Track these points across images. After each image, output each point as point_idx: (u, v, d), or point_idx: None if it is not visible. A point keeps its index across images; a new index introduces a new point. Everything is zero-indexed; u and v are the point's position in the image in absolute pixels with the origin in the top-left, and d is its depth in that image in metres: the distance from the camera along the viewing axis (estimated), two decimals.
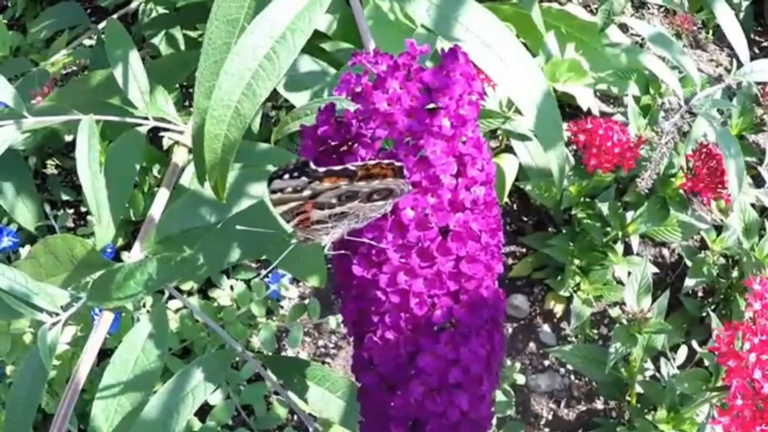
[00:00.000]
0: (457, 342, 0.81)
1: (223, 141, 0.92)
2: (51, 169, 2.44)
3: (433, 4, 0.92)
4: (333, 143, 0.86)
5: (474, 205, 0.82)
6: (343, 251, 0.87)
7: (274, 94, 1.55)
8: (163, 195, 1.37)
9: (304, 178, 0.81)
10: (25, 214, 2.05)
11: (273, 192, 0.81)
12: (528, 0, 1.23)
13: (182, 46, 2.19)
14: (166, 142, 2.10)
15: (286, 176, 0.83)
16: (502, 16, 1.36)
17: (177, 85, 2.23)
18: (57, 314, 1.21)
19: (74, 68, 2.55)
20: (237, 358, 1.25)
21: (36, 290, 1.19)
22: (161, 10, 2.21)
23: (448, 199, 0.81)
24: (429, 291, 0.81)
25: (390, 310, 0.82)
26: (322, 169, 0.83)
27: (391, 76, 0.81)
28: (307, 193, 0.82)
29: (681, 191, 1.98)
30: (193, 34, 2.25)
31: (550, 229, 2.35)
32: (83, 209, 2.36)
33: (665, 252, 2.37)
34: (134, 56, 1.49)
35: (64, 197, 2.36)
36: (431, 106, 0.82)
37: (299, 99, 1.42)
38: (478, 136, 0.84)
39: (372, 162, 0.82)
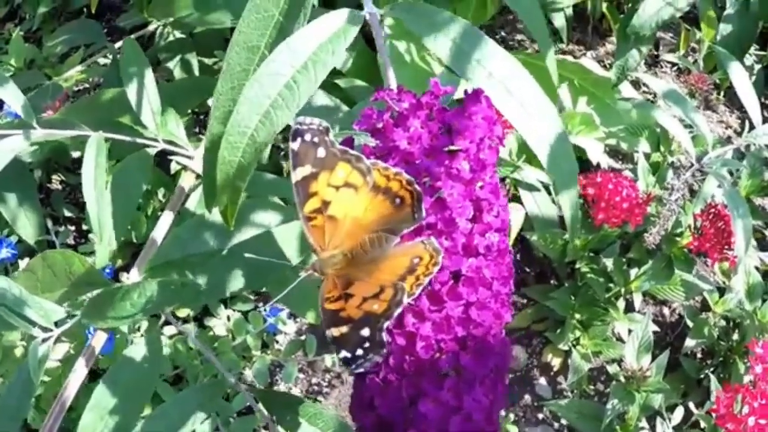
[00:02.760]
0: (461, 389, 0.79)
1: (236, 167, 0.91)
2: (56, 184, 2.43)
3: (454, 43, 0.91)
4: None
5: (487, 251, 0.80)
6: None
7: (286, 126, 1.55)
8: (167, 218, 1.35)
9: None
10: (26, 227, 2.04)
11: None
12: (544, 49, 1.22)
13: (196, 72, 2.18)
14: (173, 167, 2.08)
15: (308, 135, 0.86)
16: None
17: (189, 111, 2.22)
18: (50, 330, 1.19)
19: (86, 85, 2.55)
20: (228, 390, 1.22)
21: (30, 304, 1.17)
22: (178, 34, 2.21)
23: (462, 243, 0.80)
24: (436, 335, 0.79)
25: (395, 352, 0.80)
26: (339, 147, 0.86)
27: (413, 114, 0.80)
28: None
29: (686, 250, 1.96)
30: (208, 61, 2.25)
31: (552, 282, 2.33)
32: (85, 227, 2.34)
33: (666, 311, 2.35)
34: (149, 76, 1.49)
35: (67, 213, 2.34)
36: (451, 147, 0.81)
37: None
38: (496, 181, 0.83)
39: (394, 170, 0.82)
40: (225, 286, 1.09)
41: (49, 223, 2.16)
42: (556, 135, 0.92)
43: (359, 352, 0.78)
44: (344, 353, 0.80)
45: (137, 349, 1.16)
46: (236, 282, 1.09)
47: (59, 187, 2.43)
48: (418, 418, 0.79)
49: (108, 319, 1.14)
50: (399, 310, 0.78)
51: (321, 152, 0.85)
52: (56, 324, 1.21)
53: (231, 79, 1.01)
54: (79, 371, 1.21)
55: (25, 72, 2.25)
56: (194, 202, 1.42)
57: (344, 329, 0.80)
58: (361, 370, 0.77)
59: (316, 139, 0.86)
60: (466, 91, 0.82)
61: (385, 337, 0.78)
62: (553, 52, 1.34)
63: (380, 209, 0.85)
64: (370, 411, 0.83)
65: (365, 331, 0.79)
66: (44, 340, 1.18)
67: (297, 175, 0.86)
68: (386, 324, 0.78)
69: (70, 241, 2.30)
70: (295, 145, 0.86)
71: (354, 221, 0.87)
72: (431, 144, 0.79)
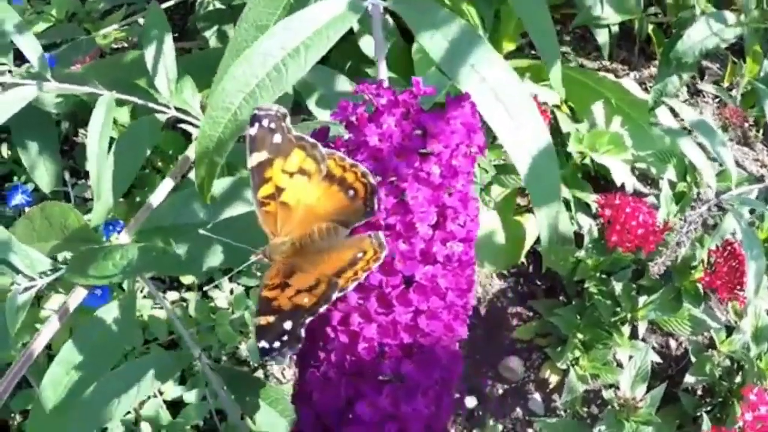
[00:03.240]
0: (400, 397, 0.78)
1: (216, 141, 0.91)
2: (82, 138, 2.43)
3: (450, 43, 0.89)
4: None
5: (447, 260, 0.78)
6: None
7: (306, 109, 1.54)
8: (166, 184, 1.35)
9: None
10: (43, 175, 2.05)
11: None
12: (550, 60, 1.20)
13: None
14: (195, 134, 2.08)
15: (265, 121, 0.84)
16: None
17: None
18: (33, 279, 1.20)
19: (125, 44, 2.55)
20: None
21: (17, 251, 1.18)
22: (218, 4, 2.21)
23: (420, 249, 0.78)
24: (381, 338, 0.78)
25: (337, 349, 0.78)
26: (295, 133, 0.85)
27: (388, 111, 0.78)
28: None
29: (698, 285, 1.93)
30: None
31: (560, 298, 2.30)
32: None
33: (672, 343, 2.32)
34: (168, 42, 1.48)
35: (87, 168, 2.35)
36: (423, 150, 0.79)
37: (327, 117, 1.40)
38: (467, 191, 0.80)
39: (350, 162, 0.82)
40: (204, 260, 1.08)
41: (67, 176, 2.17)
42: (540, 148, 0.90)
43: (276, 344, 0.78)
44: (263, 343, 0.79)
45: (109, 311, 1.16)
46: (215, 258, 1.08)
47: (84, 140, 2.43)
48: (354, 419, 0.78)
49: (89, 276, 1.15)
50: (324, 306, 0.77)
51: (277, 138, 0.84)
52: (42, 275, 1.22)
53: (236, 54, 1.00)
54: (55, 321, 1.21)
55: (65, 24, 2.25)
56: None
57: (271, 319, 0.79)
58: (273, 363, 0.76)
59: (273, 125, 0.85)
60: (448, 94, 0.80)
61: (302, 333, 0.77)
62: (559, 61, 1.32)
63: (333, 199, 0.84)
64: (308, 405, 0.82)
65: (287, 324, 0.78)
66: (26, 289, 1.19)
67: (253, 160, 0.85)
68: (308, 319, 0.77)
69: (87, 195, 2.30)
70: (252, 131, 0.85)
71: (306, 209, 0.86)
72: (402, 144, 0.77)
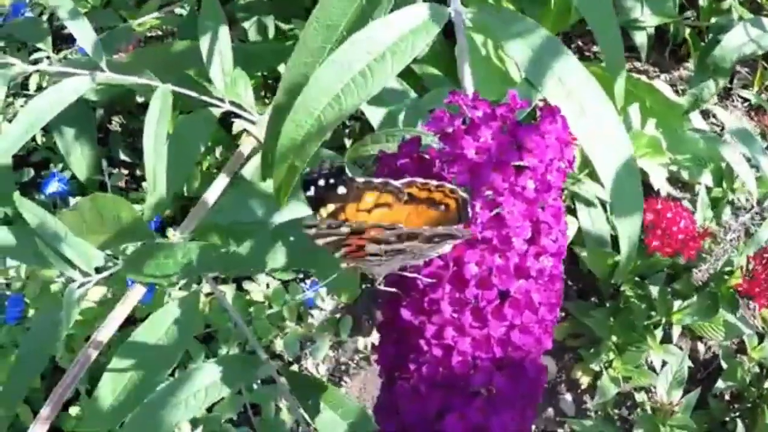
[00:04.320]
0: (490, 410, 0.77)
1: (298, 146, 0.89)
2: (115, 125, 2.43)
3: (534, 52, 0.88)
4: (409, 177, 0.82)
5: (539, 275, 0.78)
6: (394, 289, 0.83)
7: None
8: (221, 180, 1.34)
9: (340, 223, 0.77)
10: (80, 163, 2.04)
11: (307, 227, 0.76)
12: (615, 69, 1.18)
13: (271, 36, 2.17)
14: (236, 127, 2.07)
15: (321, 181, 0.81)
16: None
17: (259, 74, 2.21)
18: (88, 274, 1.19)
19: (159, 33, 2.54)
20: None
21: (72, 245, 1.17)
22: None
23: (514, 263, 0.77)
24: (474, 352, 0.77)
25: (429, 362, 0.78)
26: (360, 180, 0.81)
27: (485, 124, 0.77)
28: (345, 229, 0.76)
29: (734, 291, 1.92)
30: (284, 26, 2.23)
31: (593, 299, 2.30)
32: (139, 173, 2.34)
33: (700, 347, 2.31)
34: (224, 33, 1.46)
35: (123, 157, 2.34)
36: (519, 163, 0.78)
37: (375, 114, 1.38)
38: (559, 205, 0.80)
39: (435, 183, 0.79)
40: (266, 262, 1.07)
41: (104, 165, 2.16)
42: (623, 161, 0.89)
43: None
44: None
45: (170, 310, 1.15)
46: (278, 260, 1.07)
47: (118, 129, 2.43)
48: (441, 431, 0.78)
49: (148, 274, 1.14)
50: None
51: (341, 190, 0.82)
52: (96, 270, 1.21)
53: (306, 54, 0.99)
54: (114, 321, 1.21)
55: (100, 11, 2.24)
56: (251, 169, 1.41)
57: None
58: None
59: (332, 180, 0.81)
60: (542, 107, 0.80)
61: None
62: (624, 72, 1.31)
63: (423, 217, 0.82)
64: (394, 417, 0.82)
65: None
66: (82, 285, 1.18)
67: (321, 214, 0.82)
68: None
69: (122, 184, 2.30)
70: (309, 193, 0.82)
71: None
72: (499, 158, 0.77)
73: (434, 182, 0.79)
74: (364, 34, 0.88)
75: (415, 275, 0.80)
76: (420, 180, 0.80)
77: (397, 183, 0.81)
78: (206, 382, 1.08)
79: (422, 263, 0.80)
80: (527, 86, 1.24)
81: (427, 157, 0.82)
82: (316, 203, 0.82)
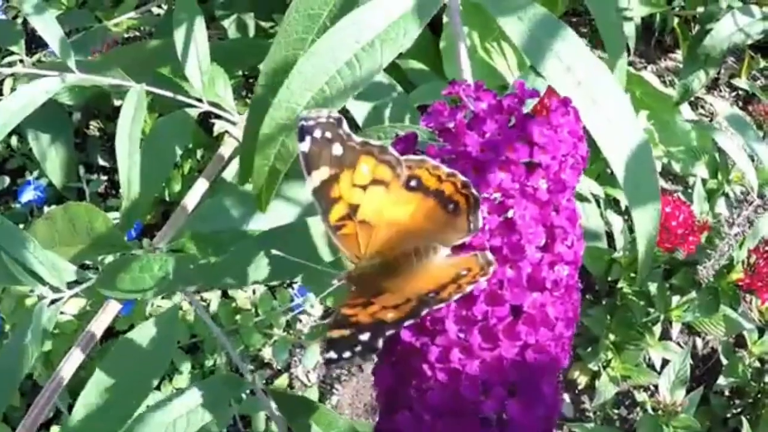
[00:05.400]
0: None
1: (278, 148, 0.81)
2: (93, 130, 2.35)
3: (526, 26, 0.80)
4: None
5: (555, 286, 0.69)
6: None
7: None
8: (201, 185, 1.27)
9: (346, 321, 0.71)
10: (55, 170, 1.98)
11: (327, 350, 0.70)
12: (615, 57, 1.11)
13: (251, 34, 2.09)
14: (217, 129, 1.99)
15: (317, 131, 0.73)
16: None
17: (240, 73, 2.14)
18: (60, 290, 1.11)
19: (137, 33, 2.47)
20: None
21: (43, 260, 1.09)
22: None
23: (527, 273, 0.69)
24: (484, 376, 0.68)
25: (434, 389, 0.69)
26: (357, 139, 0.74)
27: (490, 117, 0.69)
28: (361, 337, 0.70)
29: (735, 286, 1.86)
30: (265, 24, 2.16)
31: (588, 296, 2.23)
32: (118, 178, 2.26)
33: (699, 342, 2.25)
34: (200, 27, 1.38)
35: (101, 162, 2.26)
36: (531, 160, 0.70)
37: (359, 109, 1.30)
38: (573, 207, 0.71)
39: (447, 170, 0.71)
40: (248, 275, 0.99)
41: (82, 170, 2.08)
42: (637, 146, 0.81)
43: (347, 354, 0.68)
44: (332, 354, 0.69)
45: (146, 331, 1.06)
46: (261, 272, 0.99)
47: (96, 133, 2.35)
48: None
49: (124, 290, 1.06)
50: (409, 322, 0.68)
51: (337, 149, 0.73)
52: (69, 284, 1.13)
53: (286, 46, 0.91)
54: (88, 339, 1.13)
55: (75, 11, 2.17)
56: (232, 172, 1.33)
57: (346, 332, 0.69)
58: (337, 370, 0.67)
59: (328, 134, 0.73)
60: (551, 99, 0.71)
61: (380, 344, 0.67)
62: (625, 55, 1.24)
63: (429, 214, 0.74)
64: None
65: (365, 336, 0.68)
66: (53, 302, 1.10)
67: (313, 180, 0.74)
68: (390, 332, 0.68)
69: (101, 190, 2.22)
70: (304, 146, 0.73)
71: (395, 225, 0.75)
72: (508, 156, 0.68)
73: (446, 169, 0.71)
74: (349, 20, 0.79)
75: None
76: (431, 162, 0.71)
77: (395, 152, 0.73)
78: (187, 408, 0.99)
79: None
80: (533, 76, 1.17)
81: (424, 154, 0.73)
82: (310, 160, 0.74)
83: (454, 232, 0.72)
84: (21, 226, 2.09)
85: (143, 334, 1.06)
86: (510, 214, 0.69)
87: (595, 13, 1.02)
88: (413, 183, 0.73)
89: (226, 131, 1.38)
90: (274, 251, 0.93)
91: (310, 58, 0.78)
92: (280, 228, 1.01)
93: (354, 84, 0.78)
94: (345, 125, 0.74)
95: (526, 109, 0.73)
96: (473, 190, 0.69)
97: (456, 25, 0.82)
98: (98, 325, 1.15)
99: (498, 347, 0.68)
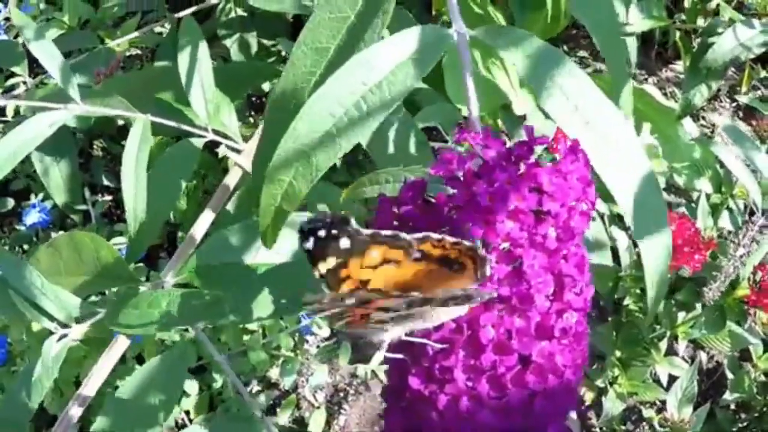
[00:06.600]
0: None
1: (285, 189, 0.81)
2: (97, 150, 2.34)
3: (525, 56, 0.80)
4: (413, 225, 0.74)
5: (563, 334, 0.69)
6: (401, 355, 0.74)
7: None
8: (207, 216, 1.27)
9: (344, 295, 0.69)
10: (59, 188, 1.97)
11: (308, 304, 0.68)
12: (620, 82, 1.10)
13: (254, 53, 2.09)
14: (221, 152, 2.00)
15: (322, 232, 0.72)
16: None
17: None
18: (68, 326, 1.10)
19: (139, 52, 2.47)
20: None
21: (50, 295, 1.08)
22: (240, 12, 2.12)
23: (536, 322, 0.68)
24: (492, 424, 0.68)
25: None
26: (366, 232, 0.73)
27: (500, 167, 0.69)
28: (351, 301, 0.68)
29: (740, 302, 1.86)
30: (267, 42, 2.16)
31: (594, 314, 2.23)
32: (122, 198, 2.26)
33: (703, 356, 2.25)
34: (205, 58, 1.38)
35: (106, 182, 2.26)
36: (539, 209, 0.69)
37: None
38: (582, 253, 0.71)
39: (451, 240, 0.70)
40: (252, 313, 0.98)
41: (87, 193, 2.08)
42: (642, 176, 0.80)
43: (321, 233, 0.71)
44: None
45: (153, 369, 1.06)
46: (265, 310, 0.98)
47: (100, 153, 2.34)
48: None
49: (133, 326, 1.05)
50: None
51: (345, 242, 0.73)
52: (76, 320, 1.12)
53: (293, 80, 0.90)
54: (100, 372, 1.13)
55: (77, 32, 2.16)
56: (237, 201, 1.33)
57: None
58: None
59: (334, 232, 0.73)
60: (564, 144, 0.71)
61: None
62: (630, 81, 1.23)
63: (436, 277, 0.73)
64: None
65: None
66: (61, 337, 1.09)
67: (320, 270, 0.73)
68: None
69: (105, 210, 2.21)
70: (308, 245, 0.73)
71: (404, 286, 0.73)
72: (517, 206, 0.68)
73: (450, 239, 0.70)
74: (355, 61, 0.79)
75: (424, 341, 0.71)
76: (435, 236, 0.71)
77: (408, 237, 0.72)
78: None
79: (432, 327, 0.72)
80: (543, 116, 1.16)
81: (433, 201, 0.73)
82: (315, 256, 0.73)
83: (461, 285, 0.71)
84: (26, 247, 2.10)
85: (149, 372, 1.06)
86: (519, 263, 0.69)
87: (596, 36, 1.01)
88: (418, 255, 0.73)
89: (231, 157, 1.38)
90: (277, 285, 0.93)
91: (316, 102, 0.78)
92: (283, 265, 1.01)
93: (365, 127, 0.77)
94: (353, 222, 0.73)
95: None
96: (479, 252, 0.69)
97: (466, 64, 0.82)
98: (108, 361, 1.15)
99: (506, 396, 0.68)
